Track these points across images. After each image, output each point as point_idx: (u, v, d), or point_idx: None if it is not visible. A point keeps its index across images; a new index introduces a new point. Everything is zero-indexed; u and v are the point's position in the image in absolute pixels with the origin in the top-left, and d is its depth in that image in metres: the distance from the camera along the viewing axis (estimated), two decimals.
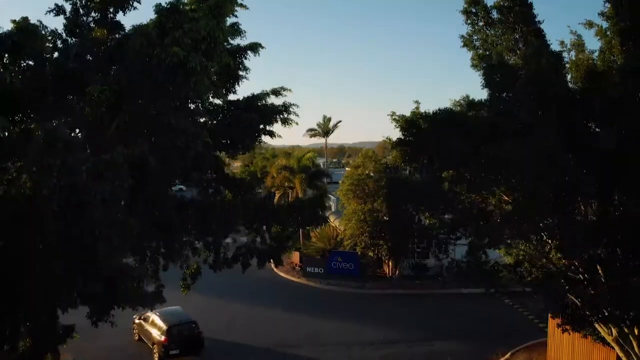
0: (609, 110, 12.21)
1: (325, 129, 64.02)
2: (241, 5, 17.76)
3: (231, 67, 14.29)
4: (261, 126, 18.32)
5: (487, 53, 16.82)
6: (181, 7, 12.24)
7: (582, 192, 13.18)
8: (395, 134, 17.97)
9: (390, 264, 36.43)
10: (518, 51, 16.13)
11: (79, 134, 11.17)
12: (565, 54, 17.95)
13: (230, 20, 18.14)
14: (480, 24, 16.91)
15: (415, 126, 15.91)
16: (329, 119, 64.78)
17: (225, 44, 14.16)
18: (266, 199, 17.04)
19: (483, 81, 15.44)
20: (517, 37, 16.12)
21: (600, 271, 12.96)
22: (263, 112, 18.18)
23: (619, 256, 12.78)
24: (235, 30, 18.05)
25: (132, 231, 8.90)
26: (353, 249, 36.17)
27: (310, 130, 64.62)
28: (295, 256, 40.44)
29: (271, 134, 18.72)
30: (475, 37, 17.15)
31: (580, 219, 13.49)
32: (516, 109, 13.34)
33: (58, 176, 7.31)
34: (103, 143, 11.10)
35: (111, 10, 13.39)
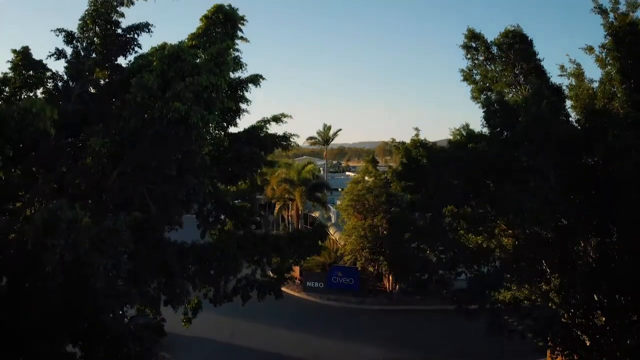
0: (609, 158, 12.28)
1: (325, 137, 64.12)
2: (242, 38, 17.88)
3: (233, 108, 14.36)
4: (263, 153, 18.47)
5: (487, 86, 16.91)
6: (183, 54, 12.25)
7: (581, 234, 13.25)
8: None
9: (390, 278, 36.51)
10: (518, 86, 16.21)
11: (81, 185, 11.17)
12: (565, 79, 18.03)
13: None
14: (480, 58, 16.98)
15: (416, 162, 15.98)
16: (329, 127, 64.89)
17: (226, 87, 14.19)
18: (267, 236, 17.06)
19: (483, 119, 15.51)
20: (517, 72, 16.18)
21: (600, 317, 13.06)
22: (264, 143, 18.29)
23: (619, 302, 12.88)
24: (237, 63, 18.15)
25: (134, 300, 8.94)
26: (353, 264, 36.28)
27: (311, 138, 64.68)
28: (295, 269, 40.45)
29: (272, 164, 18.79)
30: (475, 72, 17.23)
31: (579, 263, 13.56)
32: (516, 152, 13.41)
33: (61, 253, 7.37)
34: (104, 195, 11.15)
35: (112, 53, 13.46)
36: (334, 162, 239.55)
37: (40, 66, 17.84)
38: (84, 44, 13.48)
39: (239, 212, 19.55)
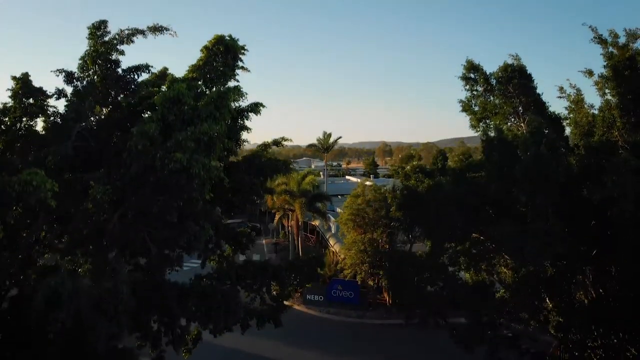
0: (607, 204, 12.34)
1: (325, 144, 64.15)
2: (243, 68, 17.95)
3: (232, 148, 14.41)
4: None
5: (486, 116, 16.99)
6: (183, 97, 12.32)
7: (580, 272, 13.33)
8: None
9: (390, 291, 36.57)
10: (518, 118, 16.29)
11: (82, 229, 11.23)
12: (564, 100, 18.13)
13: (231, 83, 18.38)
14: (479, 89, 17.07)
15: (416, 193, 16.05)
16: (329, 135, 64.95)
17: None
18: (266, 265, 17.13)
19: (483, 153, 15.56)
20: (517, 105, 16.27)
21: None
22: (264, 171, 18.38)
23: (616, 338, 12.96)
24: (237, 92, 18.22)
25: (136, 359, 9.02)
26: (353, 278, 36.34)
27: (311, 145, 64.71)
28: None
29: (271, 192, 18.85)
30: (474, 102, 17.32)
31: (577, 301, 13.65)
32: (515, 191, 13.49)
33: (63, 321, 7.44)
34: (105, 239, 11.21)
35: (112, 93, 13.52)
36: (334, 163, 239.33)
37: (40, 93, 17.94)
38: (84, 83, 13.52)
39: (238, 237, 19.64)
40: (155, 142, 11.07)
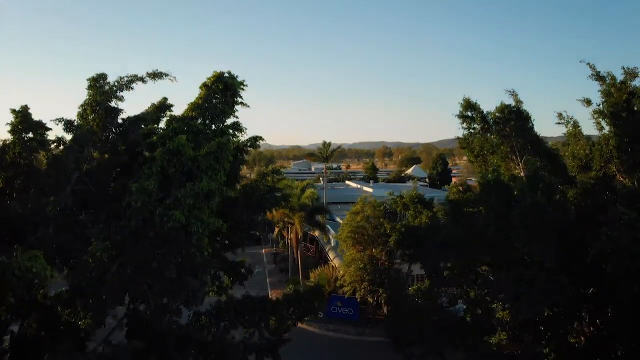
0: (602, 257, 12.44)
1: (325, 154, 64.28)
2: (242, 103, 18.08)
3: (231, 195, 14.51)
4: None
5: (483, 155, 17.08)
6: (183, 149, 12.40)
7: (577, 317, 13.42)
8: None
9: (389, 307, 36.64)
10: (515, 157, 16.37)
11: (81, 282, 11.33)
12: (562, 127, 18.23)
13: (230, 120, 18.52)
14: (477, 127, 17.19)
15: (415, 233, 16.16)
16: (329, 144, 65.11)
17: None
18: (265, 300, 17.21)
19: (480, 193, 15.64)
20: (514, 144, 16.36)
21: None
22: (263, 205, 18.49)
23: None
24: (236, 128, 18.35)
25: None
26: (353, 294, 36.42)
27: (311, 155, 64.82)
28: None
29: (270, 226, 18.93)
30: (472, 139, 17.43)
31: (575, 343, 13.74)
32: (512, 237, 13.59)
33: None
34: (104, 292, 11.31)
35: (111, 139, 13.63)
36: (334, 165, 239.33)
37: (40, 126, 18.04)
38: (84, 131, 13.62)
39: (237, 267, 19.75)
40: (155, 198, 11.16)
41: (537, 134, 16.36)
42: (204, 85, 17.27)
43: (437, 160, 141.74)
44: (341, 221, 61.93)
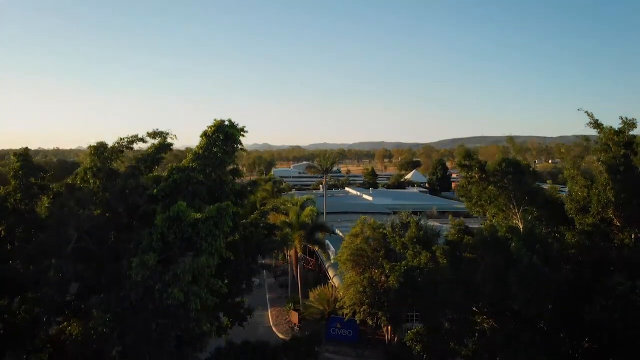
0: (597, 328, 12.57)
1: (325, 166, 64.54)
2: (241, 149, 18.22)
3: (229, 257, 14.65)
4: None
5: (482, 205, 17.18)
6: (183, 215, 12.52)
7: None
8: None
9: (389, 328, 36.77)
10: (513, 208, 16.47)
11: (84, 353, 11.47)
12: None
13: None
14: (475, 175, 17.31)
15: (414, 284, 16.28)
16: (328, 157, 65.48)
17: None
18: (265, 347, 17.31)
19: (477, 247, 15.74)
20: (511, 196, 16.46)
21: None
22: (262, 250, 18.66)
23: None
24: (235, 174, 18.48)
25: None
26: (352, 316, 36.51)
27: (311, 167, 65.14)
28: (294, 316, 40.82)
29: (269, 268, 19.09)
30: (470, 187, 17.55)
31: None
32: (510, 301, 13.70)
33: None
34: None
35: (113, 201, 13.73)
36: (334, 168, 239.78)
37: (41, 170, 18.19)
38: (85, 193, 13.74)
39: (236, 309, 19.89)
40: (154, 271, 11.29)
41: (536, 186, 16.50)
42: (205, 134, 17.43)
43: (436, 166, 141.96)
44: (341, 234, 62.26)
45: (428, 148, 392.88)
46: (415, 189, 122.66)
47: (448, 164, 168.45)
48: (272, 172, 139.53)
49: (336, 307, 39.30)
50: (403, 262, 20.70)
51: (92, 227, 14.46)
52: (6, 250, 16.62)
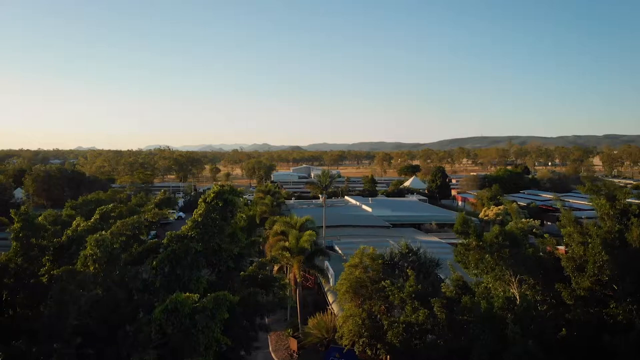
0: None
1: (324, 183, 64.71)
2: (240, 213, 18.28)
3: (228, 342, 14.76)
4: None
5: (479, 275, 17.29)
6: (181, 307, 12.62)
7: None
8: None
9: (388, 358, 36.86)
10: (511, 279, 16.58)
11: None
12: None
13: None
14: (473, 242, 17.42)
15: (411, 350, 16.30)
16: (327, 173, 65.62)
17: None
18: None
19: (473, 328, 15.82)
20: (508, 267, 16.57)
21: None
22: (260, 310, 18.87)
23: None
24: (233, 238, 18.57)
25: None
26: (351, 346, 36.59)
27: (310, 184, 65.30)
28: (293, 342, 40.93)
29: (266, 328, 19.22)
30: (468, 254, 17.66)
31: None
32: None
33: None
34: None
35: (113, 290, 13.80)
36: (333, 172, 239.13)
37: (42, 229, 18.30)
38: (86, 277, 13.84)
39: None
40: None
41: (532, 254, 16.62)
42: (204, 200, 17.54)
43: (436, 173, 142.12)
44: (340, 251, 62.40)
45: (427, 151, 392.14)
46: (414, 197, 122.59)
47: (447, 167, 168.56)
48: (269, 183, 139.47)
49: (335, 336, 39.42)
50: (401, 318, 20.79)
51: (92, 307, 14.59)
52: (9, 318, 16.71)
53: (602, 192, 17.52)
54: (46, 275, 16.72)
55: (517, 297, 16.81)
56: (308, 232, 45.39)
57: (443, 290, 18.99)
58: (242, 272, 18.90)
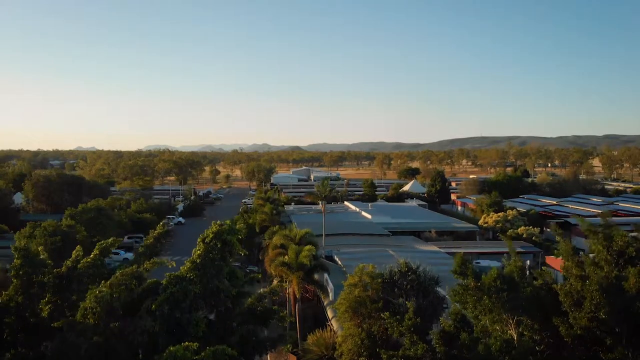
0: None
1: (323, 192, 64.90)
2: (239, 251, 18.38)
3: None
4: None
5: (477, 316, 17.35)
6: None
7: None
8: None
9: None
10: (509, 321, 16.65)
11: None
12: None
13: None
14: (471, 284, 17.50)
15: None
16: (326, 183, 65.80)
17: None
18: None
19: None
20: (506, 308, 16.64)
21: None
22: (258, 349, 18.93)
23: None
24: (232, 275, 18.66)
25: None
26: None
27: (310, 194, 65.46)
28: (292, 359, 40.97)
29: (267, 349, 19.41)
30: (466, 294, 17.74)
31: None
32: None
33: None
34: None
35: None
36: (333, 174, 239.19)
37: (42, 265, 18.36)
38: (86, 327, 13.91)
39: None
40: None
41: (530, 293, 16.71)
42: (203, 241, 17.62)
43: (435, 177, 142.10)
44: (340, 262, 62.49)
45: (427, 152, 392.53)
46: (414, 203, 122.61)
47: (447, 168, 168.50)
48: (269, 188, 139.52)
49: (335, 354, 39.45)
50: (400, 352, 20.90)
51: (92, 354, 14.67)
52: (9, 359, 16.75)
53: (599, 232, 17.60)
54: (46, 308, 16.84)
55: (515, 338, 16.89)
56: (307, 247, 45.37)
57: (442, 324, 19.04)
58: (239, 309, 18.99)
